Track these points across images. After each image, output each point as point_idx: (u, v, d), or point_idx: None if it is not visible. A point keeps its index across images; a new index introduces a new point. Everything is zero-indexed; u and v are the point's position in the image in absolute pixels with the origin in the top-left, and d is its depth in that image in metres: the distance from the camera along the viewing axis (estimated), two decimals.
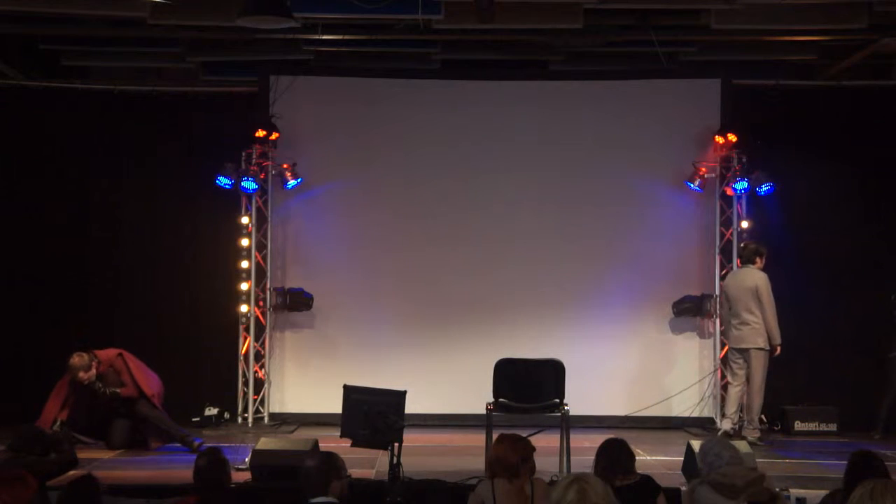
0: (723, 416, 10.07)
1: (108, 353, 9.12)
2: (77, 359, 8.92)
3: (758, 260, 9.80)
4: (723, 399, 10.72)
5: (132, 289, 11.14)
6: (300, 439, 7.97)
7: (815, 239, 10.97)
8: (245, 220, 10.80)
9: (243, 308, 10.78)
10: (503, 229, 11.06)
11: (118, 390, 8.97)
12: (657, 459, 8.61)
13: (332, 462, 5.10)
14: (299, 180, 10.84)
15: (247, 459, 7.55)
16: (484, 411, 8.03)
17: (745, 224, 10.72)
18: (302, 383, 10.97)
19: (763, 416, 10.08)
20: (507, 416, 8.11)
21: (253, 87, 11.07)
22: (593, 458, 5.74)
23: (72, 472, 6.76)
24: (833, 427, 10.45)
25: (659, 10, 9.61)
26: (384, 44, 10.48)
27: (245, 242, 10.78)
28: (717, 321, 10.80)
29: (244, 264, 10.78)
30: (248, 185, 10.58)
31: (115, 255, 11.20)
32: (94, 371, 8.93)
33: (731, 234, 10.79)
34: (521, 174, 11.10)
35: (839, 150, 10.95)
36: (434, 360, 10.83)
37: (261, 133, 10.69)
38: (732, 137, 10.62)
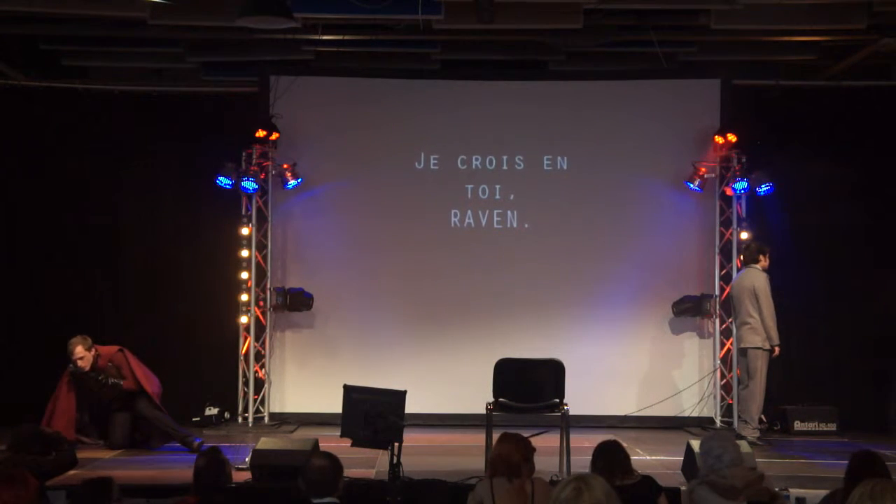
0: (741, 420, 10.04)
1: (109, 349, 9.16)
2: (77, 338, 8.97)
3: (761, 258, 9.84)
4: (723, 399, 10.76)
5: (132, 289, 11.14)
6: (300, 439, 7.98)
7: (815, 239, 10.97)
8: (245, 219, 10.80)
9: (243, 308, 10.78)
10: (503, 229, 11.08)
11: (120, 382, 8.99)
12: (657, 459, 8.62)
13: (338, 461, 5.12)
14: (299, 180, 10.84)
15: (247, 459, 7.55)
16: (484, 411, 8.03)
17: (744, 224, 10.72)
18: (302, 383, 10.97)
19: (763, 416, 10.09)
20: (507, 416, 8.11)
21: (253, 87, 11.07)
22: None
23: (74, 472, 6.78)
24: (833, 427, 10.45)
25: (659, 10, 9.61)
26: (384, 44, 10.48)
27: (245, 242, 10.78)
28: (717, 321, 10.81)
29: (244, 264, 10.78)
30: (248, 185, 10.58)
31: (115, 255, 11.21)
32: (92, 353, 8.96)
33: (731, 234, 10.79)
34: (521, 174, 11.11)
35: (839, 150, 10.95)
36: (434, 360, 10.83)
37: (261, 133, 10.68)
38: (732, 137, 10.61)
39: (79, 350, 8.94)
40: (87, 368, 8.97)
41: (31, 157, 11.10)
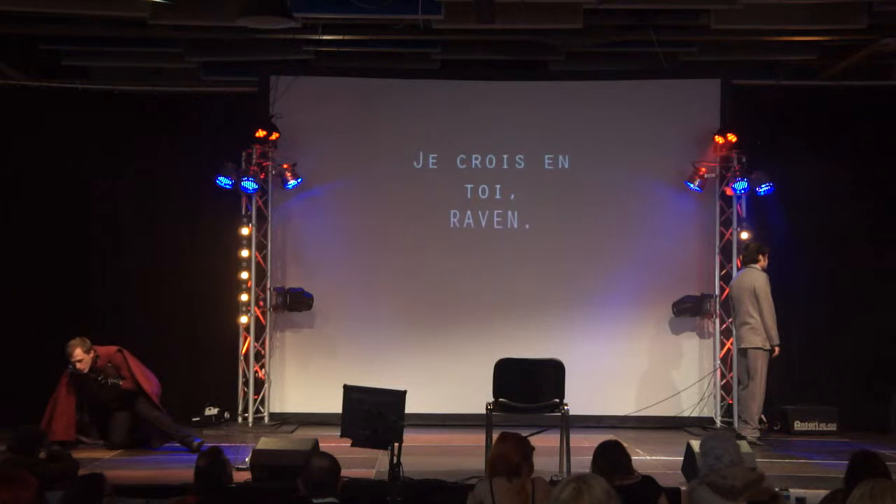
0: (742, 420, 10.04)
1: (108, 349, 9.15)
2: (76, 340, 8.96)
3: (761, 258, 9.85)
4: (723, 399, 10.76)
5: (132, 289, 11.14)
6: (300, 439, 7.98)
7: (815, 239, 10.97)
8: (245, 219, 10.80)
9: (243, 308, 10.78)
10: (503, 229, 11.08)
11: (119, 382, 8.99)
12: (657, 459, 8.62)
13: (337, 461, 5.12)
14: (299, 180, 10.84)
15: (247, 459, 7.55)
16: (484, 411, 8.03)
17: (744, 224, 10.72)
18: (302, 383, 10.98)
19: (763, 416, 10.09)
20: (507, 416, 8.11)
21: (253, 87, 11.07)
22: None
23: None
24: (833, 427, 10.44)
25: (659, 10, 9.61)
26: (384, 44, 10.48)
27: (245, 242, 10.78)
28: (717, 321, 10.81)
29: (244, 264, 10.78)
30: (248, 185, 10.59)
31: (115, 254, 11.20)
32: (91, 355, 8.95)
33: (731, 234, 10.79)
34: (521, 174, 11.11)
35: (839, 150, 10.96)
36: (434, 360, 10.83)
37: (261, 133, 10.69)
38: (732, 137, 10.62)
39: (77, 352, 8.93)
40: (86, 371, 8.97)
41: (32, 157, 11.09)
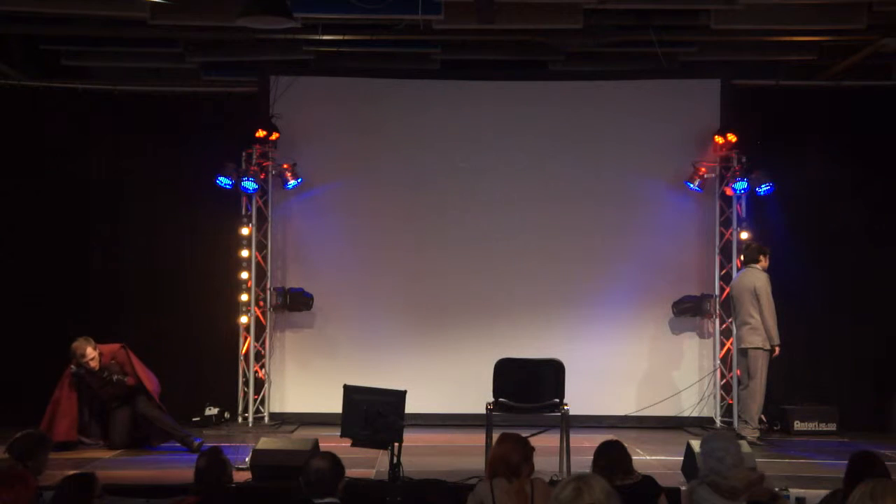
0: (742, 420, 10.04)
1: (111, 347, 9.16)
2: (82, 340, 8.95)
3: (761, 258, 9.86)
4: (723, 399, 10.77)
5: (132, 289, 11.13)
6: (300, 439, 7.98)
7: (815, 239, 10.98)
8: (245, 219, 10.81)
9: (243, 308, 10.78)
10: (503, 229, 11.06)
11: (124, 378, 8.99)
12: (657, 459, 8.62)
13: (339, 462, 5.13)
14: (299, 180, 10.85)
15: (247, 459, 7.55)
16: (484, 411, 8.03)
17: (744, 224, 10.72)
18: (302, 383, 10.98)
19: (763, 416, 10.09)
20: (507, 416, 8.11)
21: (253, 87, 11.08)
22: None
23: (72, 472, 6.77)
24: (833, 427, 10.44)
25: (659, 10, 9.61)
26: (384, 44, 10.48)
27: (245, 242, 10.78)
28: (717, 321, 10.81)
29: (244, 264, 10.78)
30: (248, 185, 10.59)
31: (116, 255, 11.20)
32: (98, 352, 8.95)
33: (731, 234, 10.80)
34: (521, 174, 11.10)
35: (839, 149, 10.96)
36: (434, 360, 10.84)
37: (261, 133, 10.69)
38: (732, 137, 10.62)
39: (89, 351, 8.92)
40: (97, 369, 8.98)
41: (32, 157, 11.09)
